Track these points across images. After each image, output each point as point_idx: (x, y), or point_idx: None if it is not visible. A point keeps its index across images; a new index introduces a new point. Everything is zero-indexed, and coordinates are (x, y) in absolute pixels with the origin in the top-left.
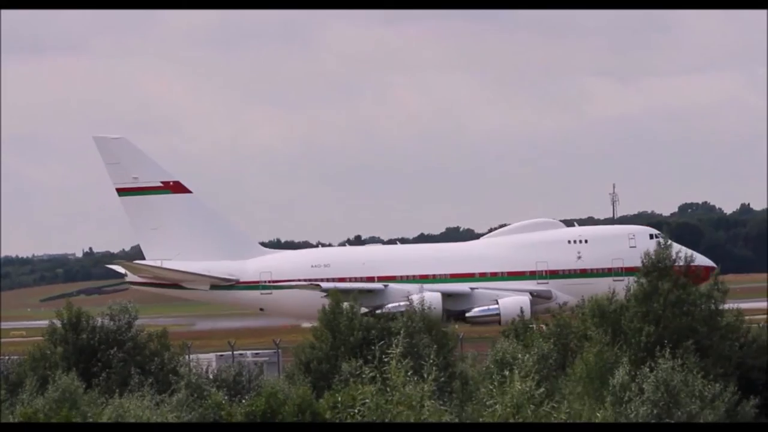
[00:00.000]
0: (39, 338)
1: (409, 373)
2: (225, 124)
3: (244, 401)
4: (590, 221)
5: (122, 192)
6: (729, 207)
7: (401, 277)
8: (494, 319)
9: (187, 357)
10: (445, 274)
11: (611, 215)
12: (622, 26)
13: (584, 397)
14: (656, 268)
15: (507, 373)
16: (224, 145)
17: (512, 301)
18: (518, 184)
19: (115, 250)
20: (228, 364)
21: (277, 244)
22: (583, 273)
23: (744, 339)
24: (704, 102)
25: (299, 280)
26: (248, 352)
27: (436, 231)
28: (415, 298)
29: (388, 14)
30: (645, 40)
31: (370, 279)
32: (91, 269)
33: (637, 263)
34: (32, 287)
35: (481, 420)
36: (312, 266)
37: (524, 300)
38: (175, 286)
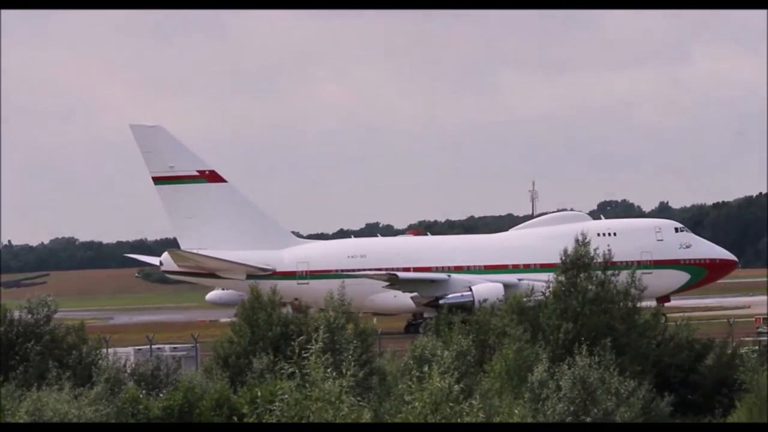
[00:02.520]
0: None
1: (328, 369)
2: (146, 114)
3: (161, 395)
4: (509, 218)
5: (158, 180)
6: (648, 205)
7: (436, 267)
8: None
9: (105, 351)
10: (479, 266)
11: (530, 212)
12: (543, 21)
13: (503, 394)
14: (575, 265)
15: (426, 369)
16: None
17: None
18: (437, 179)
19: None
20: (146, 358)
21: None
22: (614, 265)
23: (661, 337)
24: (624, 98)
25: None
26: (166, 347)
27: (356, 227)
28: (477, 288)
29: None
30: (567, 36)
31: (406, 269)
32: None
33: (666, 256)
34: None
35: (399, 416)
36: (348, 257)
37: None
38: (211, 275)
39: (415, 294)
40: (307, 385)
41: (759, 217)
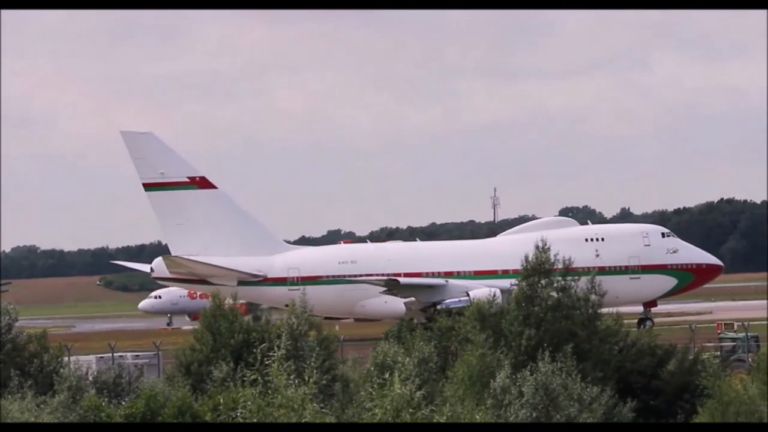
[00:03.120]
0: None
1: (291, 376)
2: (100, 118)
3: (123, 403)
4: (471, 224)
5: (149, 187)
6: (609, 211)
7: (426, 273)
8: None
9: (67, 359)
10: (468, 271)
11: (492, 219)
12: (500, 28)
13: (465, 400)
14: (536, 272)
15: (387, 376)
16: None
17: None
18: (399, 187)
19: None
20: (108, 366)
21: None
22: (602, 271)
23: (623, 343)
24: (584, 104)
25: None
26: (128, 354)
27: (317, 234)
28: (475, 294)
29: (265, 14)
30: (523, 43)
31: (397, 275)
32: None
33: (654, 261)
34: None
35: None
36: (339, 263)
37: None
38: (203, 282)
39: (411, 299)
40: (270, 392)
41: (720, 222)
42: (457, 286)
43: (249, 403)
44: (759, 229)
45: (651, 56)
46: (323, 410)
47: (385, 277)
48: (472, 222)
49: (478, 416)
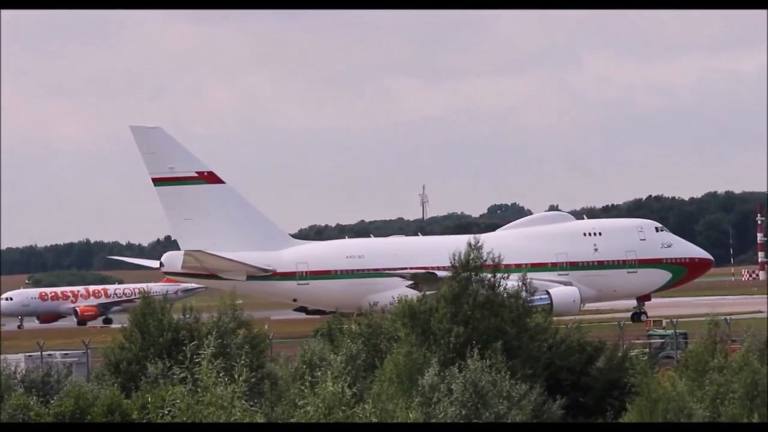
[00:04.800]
0: None
1: (220, 374)
2: (30, 117)
3: (52, 402)
4: (400, 222)
5: (158, 182)
6: (538, 208)
7: (431, 267)
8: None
9: None
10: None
11: (421, 216)
12: (429, 26)
13: (395, 398)
14: (466, 269)
15: (319, 374)
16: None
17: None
18: (328, 184)
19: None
20: (36, 365)
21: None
22: (600, 265)
23: (552, 340)
24: (511, 102)
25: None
26: (57, 353)
27: None
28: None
29: (197, 13)
30: (453, 41)
31: (403, 269)
32: None
33: (649, 255)
34: None
35: (291, 420)
36: (347, 257)
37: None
38: (212, 276)
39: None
40: (199, 390)
41: (648, 219)
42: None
43: (178, 401)
44: (687, 226)
45: (581, 54)
46: (252, 408)
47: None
48: (401, 219)
49: (411, 415)
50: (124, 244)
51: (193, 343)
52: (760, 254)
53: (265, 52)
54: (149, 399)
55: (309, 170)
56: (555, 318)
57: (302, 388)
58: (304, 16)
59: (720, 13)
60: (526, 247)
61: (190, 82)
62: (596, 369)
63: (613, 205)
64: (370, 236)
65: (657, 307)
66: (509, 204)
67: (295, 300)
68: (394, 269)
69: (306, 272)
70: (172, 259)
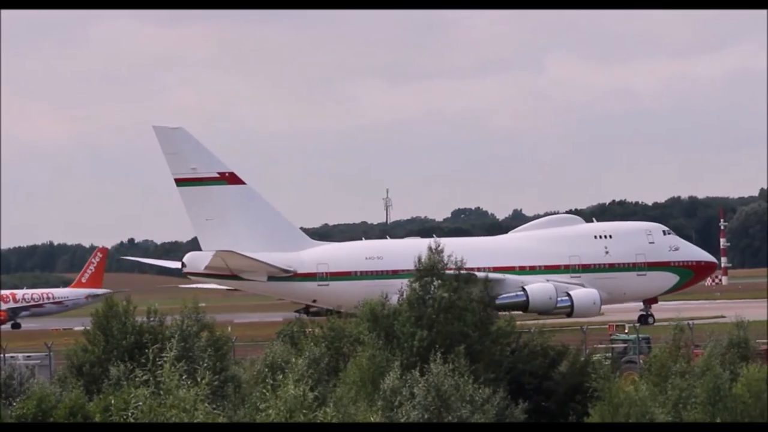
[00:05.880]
0: None
1: (183, 377)
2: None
3: (15, 404)
4: (364, 225)
5: (180, 182)
6: (502, 212)
7: (447, 269)
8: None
9: None
10: (488, 267)
11: (384, 220)
12: (395, 28)
13: (357, 401)
14: (429, 273)
15: (281, 377)
16: None
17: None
18: (291, 187)
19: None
20: None
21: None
22: (611, 267)
23: (515, 344)
24: (477, 106)
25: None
26: (20, 355)
27: None
28: (531, 288)
29: (162, 14)
30: (421, 44)
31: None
32: None
33: (658, 258)
34: None
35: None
36: (366, 258)
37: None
38: (234, 277)
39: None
40: (162, 392)
41: None
42: (514, 281)
43: (141, 403)
44: None
45: (545, 58)
46: (215, 411)
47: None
48: (364, 223)
49: (372, 418)
50: (87, 246)
51: (156, 345)
52: (723, 259)
53: (228, 53)
54: (112, 401)
55: (272, 173)
56: (575, 319)
57: (264, 391)
58: (268, 17)
59: (685, 17)
60: (539, 249)
61: (153, 82)
62: (559, 373)
63: (576, 209)
64: (332, 240)
65: (620, 311)
66: (473, 208)
67: (314, 301)
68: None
69: (326, 273)
70: (195, 260)
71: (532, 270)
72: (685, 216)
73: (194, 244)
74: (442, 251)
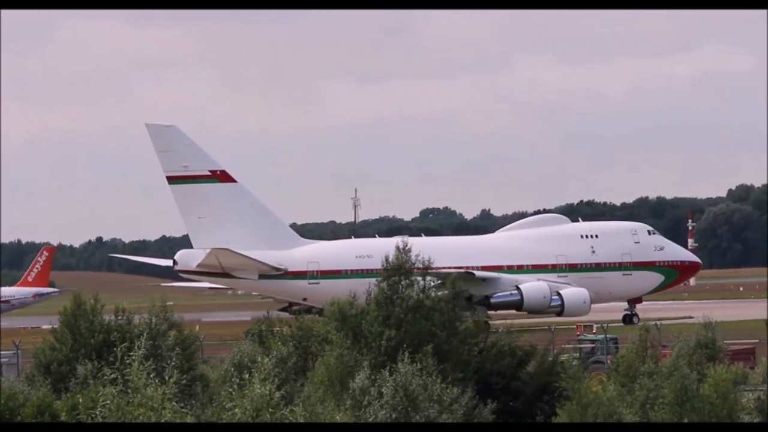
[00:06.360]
0: None
1: (151, 376)
2: None
3: None
4: (332, 225)
5: (172, 180)
6: (470, 212)
7: (436, 268)
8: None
9: None
10: (477, 266)
11: (353, 219)
12: (363, 28)
13: (325, 401)
14: (396, 272)
15: (246, 376)
16: None
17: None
18: (260, 186)
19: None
20: None
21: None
22: (598, 267)
23: (483, 344)
24: (443, 106)
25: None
26: None
27: (178, 234)
28: (524, 287)
29: (130, 14)
30: (387, 44)
31: (469, 268)
32: None
33: (643, 258)
34: None
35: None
36: (356, 257)
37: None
38: (225, 275)
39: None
40: (130, 391)
41: None
42: (509, 280)
43: (108, 402)
44: None
45: (513, 58)
46: (183, 410)
47: (461, 270)
48: (333, 222)
49: (338, 417)
50: (55, 245)
51: (124, 344)
52: None
53: (195, 52)
54: (80, 400)
55: (240, 172)
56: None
57: (230, 390)
58: (236, 17)
59: (654, 17)
60: (527, 248)
61: (119, 81)
62: (527, 373)
63: (545, 209)
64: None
65: (604, 311)
66: (441, 208)
67: (305, 299)
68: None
69: (317, 272)
70: (187, 258)
71: (520, 269)
72: (653, 216)
73: (162, 243)
74: (410, 251)
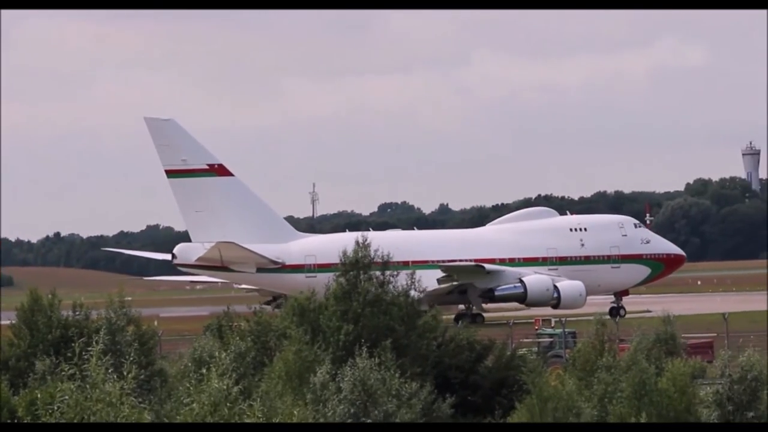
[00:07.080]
0: None
1: (109, 371)
2: None
3: None
4: (290, 219)
5: (171, 174)
6: (428, 207)
7: (431, 261)
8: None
9: None
10: (470, 259)
11: (311, 214)
12: (322, 25)
13: (284, 396)
14: (354, 267)
15: (204, 371)
16: None
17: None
18: None
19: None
20: None
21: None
22: (587, 260)
23: (441, 338)
24: (403, 102)
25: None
26: None
27: (136, 229)
28: (528, 280)
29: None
30: (345, 40)
31: (405, 263)
32: None
33: (631, 251)
34: None
35: (178, 418)
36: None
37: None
38: (224, 268)
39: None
40: (88, 386)
41: None
42: (512, 273)
43: (67, 397)
44: None
45: (471, 53)
46: (141, 405)
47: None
48: (291, 217)
49: (296, 412)
50: (13, 240)
51: (82, 339)
52: None
53: (157, 50)
54: (38, 395)
55: None
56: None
57: (188, 385)
58: (198, 16)
59: (609, 14)
60: (517, 241)
61: (84, 78)
62: (485, 367)
63: (503, 204)
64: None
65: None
66: (399, 202)
67: (302, 293)
68: (398, 263)
69: (314, 265)
70: (186, 251)
71: (512, 262)
72: (611, 211)
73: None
74: (369, 245)
